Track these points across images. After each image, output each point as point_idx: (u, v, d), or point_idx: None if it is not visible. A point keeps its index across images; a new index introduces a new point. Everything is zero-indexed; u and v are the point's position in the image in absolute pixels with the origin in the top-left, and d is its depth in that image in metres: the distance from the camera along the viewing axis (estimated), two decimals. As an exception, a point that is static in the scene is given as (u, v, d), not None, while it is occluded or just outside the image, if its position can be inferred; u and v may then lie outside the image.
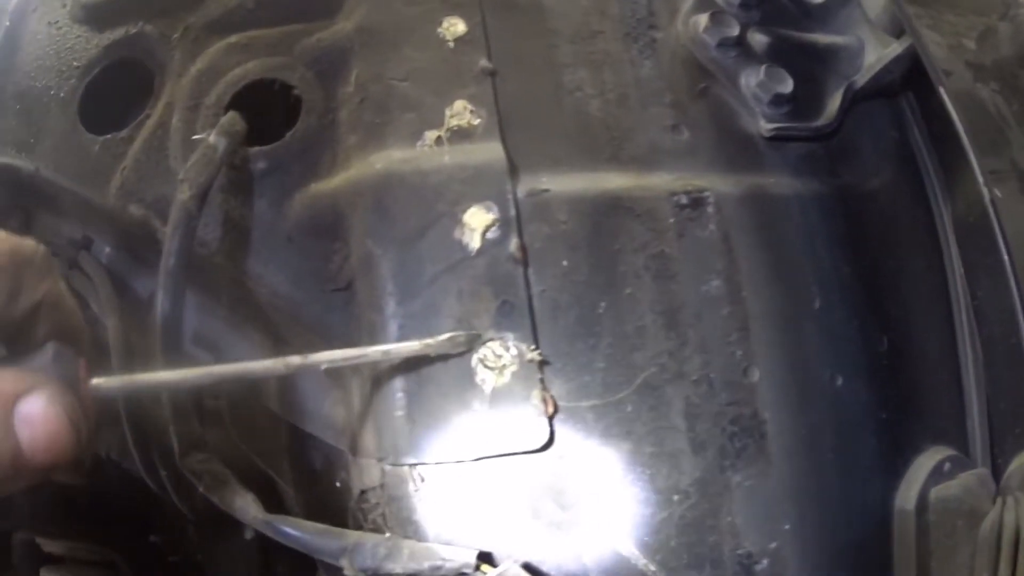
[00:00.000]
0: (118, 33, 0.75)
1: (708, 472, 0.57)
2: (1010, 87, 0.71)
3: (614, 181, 0.62)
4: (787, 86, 0.66)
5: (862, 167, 0.69)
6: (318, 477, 0.66)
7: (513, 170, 0.61)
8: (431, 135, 0.62)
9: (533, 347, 0.57)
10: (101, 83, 0.75)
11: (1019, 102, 0.67)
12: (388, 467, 0.58)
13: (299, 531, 0.57)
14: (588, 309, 0.58)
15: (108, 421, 0.66)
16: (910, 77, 0.70)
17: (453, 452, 0.57)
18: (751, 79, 0.66)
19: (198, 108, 0.68)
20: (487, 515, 0.57)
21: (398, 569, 0.54)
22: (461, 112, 0.63)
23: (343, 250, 0.62)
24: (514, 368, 0.57)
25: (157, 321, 0.60)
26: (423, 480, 0.57)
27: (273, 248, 0.65)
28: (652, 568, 0.56)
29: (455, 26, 0.67)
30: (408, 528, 0.57)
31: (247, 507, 0.59)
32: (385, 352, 0.56)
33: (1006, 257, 0.61)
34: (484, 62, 0.65)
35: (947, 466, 0.62)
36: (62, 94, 0.74)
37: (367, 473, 0.60)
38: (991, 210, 0.61)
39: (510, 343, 0.57)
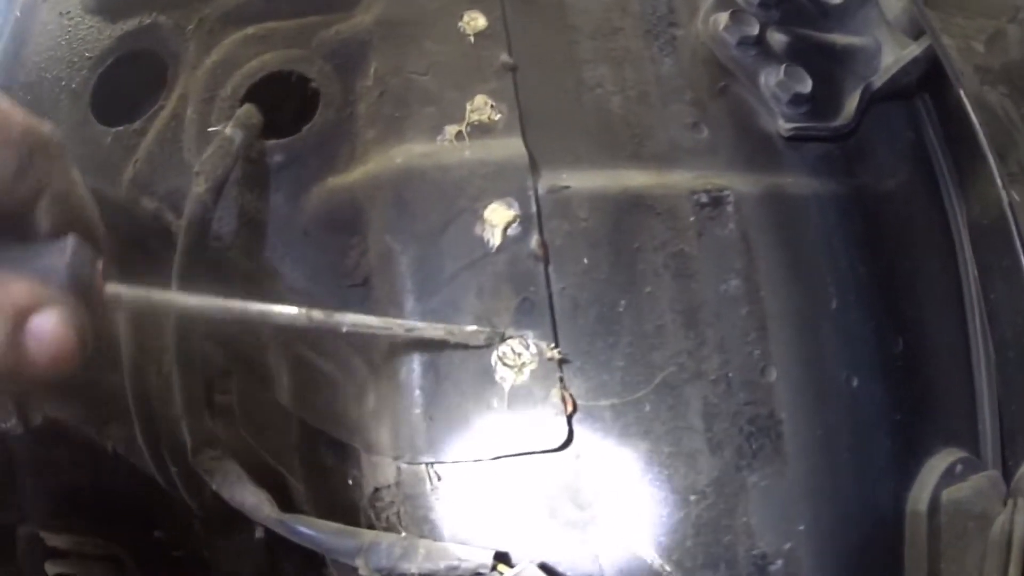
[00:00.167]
0: (131, 24, 0.74)
1: (725, 472, 0.57)
2: (1019, 90, 0.71)
3: (635, 179, 0.62)
4: (806, 86, 0.65)
5: (878, 168, 0.69)
6: (329, 474, 0.66)
7: (534, 166, 0.61)
8: (451, 130, 0.62)
9: (553, 345, 0.57)
10: (113, 74, 0.74)
11: (1028, 105, 0.68)
12: (404, 465, 0.58)
13: (314, 530, 0.57)
14: (608, 307, 0.58)
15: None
16: (926, 78, 0.70)
17: (471, 451, 0.56)
18: (770, 78, 0.66)
19: (213, 100, 0.67)
20: (504, 514, 0.57)
21: (413, 569, 0.54)
22: (481, 107, 0.62)
23: (360, 245, 0.61)
24: (533, 366, 0.57)
25: (170, 315, 0.60)
26: (440, 479, 0.57)
27: (289, 242, 0.64)
28: (668, 568, 0.55)
29: (476, 20, 0.66)
30: (424, 527, 0.57)
31: (260, 505, 0.59)
32: (409, 328, 0.56)
33: (1022, 260, 0.61)
34: (505, 57, 0.65)
35: (959, 468, 0.62)
36: (73, 85, 0.73)
37: (381, 471, 0.60)
38: (1009, 213, 0.61)
39: (530, 341, 0.57)
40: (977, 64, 0.70)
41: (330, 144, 0.65)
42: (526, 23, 0.68)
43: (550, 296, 0.58)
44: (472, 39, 0.66)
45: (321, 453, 0.67)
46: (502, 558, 0.54)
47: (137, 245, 0.69)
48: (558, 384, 0.56)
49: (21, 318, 0.40)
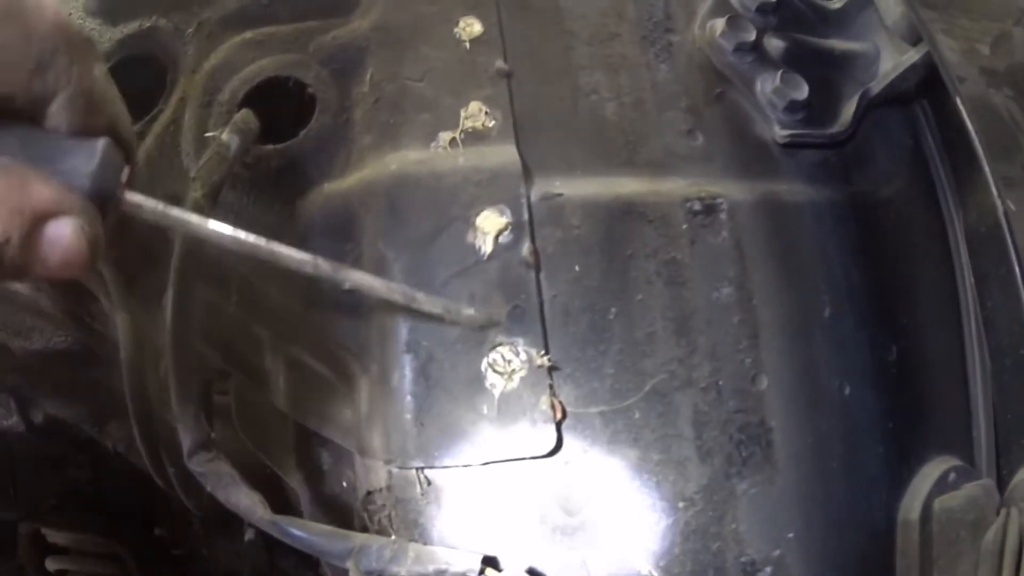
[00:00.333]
0: (132, 27, 0.74)
1: (714, 479, 0.57)
2: (1024, 93, 0.70)
3: (628, 186, 0.62)
4: (802, 92, 0.65)
5: (876, 174, 0.69)
6: (324, 476, 0.67)
7: (527, 174, 0.61)
8: (446, 136, 0.62)
9: (543, 352, 0.57)
10: (114, 77, 0.74)
11: (1033, 108, 0.67)
12: (395, 469, 0.58)
13: (305, 532, 0.58)
14: (599, 315, 0.58)
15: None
16: (925, 84, 0.70)
17: (461, 456, 0.57)
18: (767, 85, 0.66)
19: (211, 104, 0.67)
20: (493, 519, 0.57)
21: (403, 572, 0.54)
22: (476, 114, 0.63)
23: (355, 251, 0.62)
24: (523, 373, 0.57)
25: (168, 318, 0.60)
26: (430, 483, 0.58)
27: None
28: (656, 574, 0.56)
29: (472, 26, 0.67)
30: (414, 531, 0.58)
31: (254, 507, 0.59)
32: (409, 298, 0.56)
33: (1017, 268, 0.60)
34: (500, 63, 0.65)
35: (952, 476, 0.62)
36: (73, 87, 0.74)
37: (374, 474, 0.60)
38: (1004, 222, 0.61)
39: (520, 348, 0.57)
40: (982, 66, 0.70)
41: (326, 150, 0.66)
42: (522, 29, 0.68)
43: (541, 303, 0.58)
44: (468, 45, 0.66)
45: (316, 455, 0.67)
46: (491, 563, 0.55)
47: (136, 248, 0.69)
48: (548, 391, 0.57)
49: (39, 221, 0.41)
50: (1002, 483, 0.63)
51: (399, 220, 0.60)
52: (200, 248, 0.61)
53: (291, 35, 0.70)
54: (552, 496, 0.57)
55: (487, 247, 0.59)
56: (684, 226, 0.61)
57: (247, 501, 0.60)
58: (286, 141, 0.66)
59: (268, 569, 0.80)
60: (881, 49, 0.72)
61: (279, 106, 0.68)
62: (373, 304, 0.60)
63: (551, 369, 0.57)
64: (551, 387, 0.57)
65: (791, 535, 0.57)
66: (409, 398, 0.58)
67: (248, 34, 0.71)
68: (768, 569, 0.56)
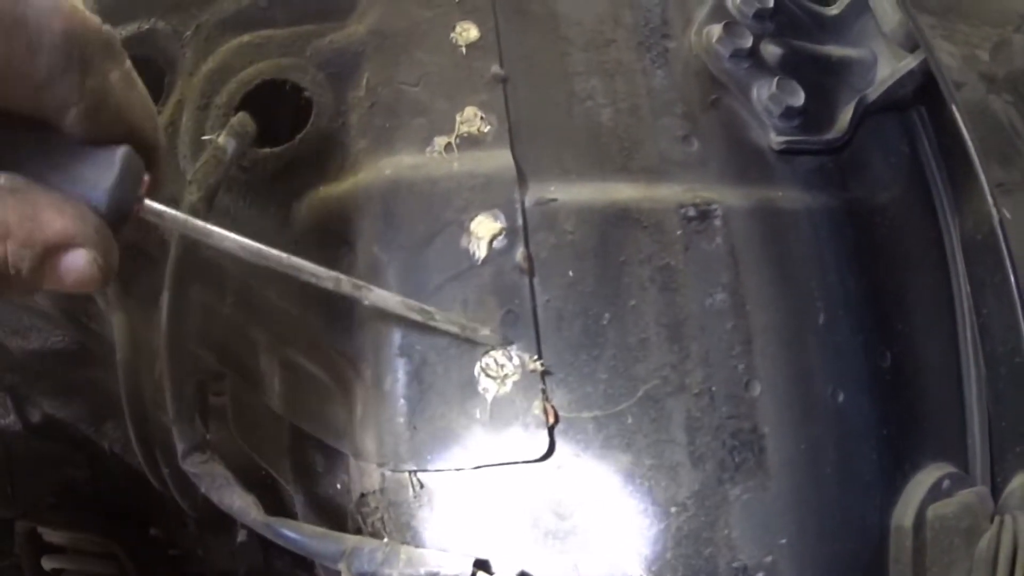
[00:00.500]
0: (130, 28, 0.75)
1: (706, 485, 0.57)
2: (1024, 99, 0.70)
3: (623, 192, 0.62)
4: (798, 99, 0.65)
5: (872, 181, 0.69)
6: (318, 478, 0.67)
7: (521, 179, 0.61)
8: (441, 141, 0.63)
9: (536, 357, 0.57)
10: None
11: (1033, 114, 0.67)
12: (388, 472, 0.58)
13: (298, 534, 0.58)
14: (592, 320, 0.59)
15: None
16: (922, 91, 0.70)
17: (453, 460, 0.57)
18: (763, 91, 0.66)
19: (208, 107, 0.68)
20: (485, 523, 0.57)
21: (395, 574, 0.54)
22: (471, 119, 0.63)
23: (349, 255, 0.62)
24: (516, 378, 0.57)
25: (163, 320, 0.60)
26: (422, 486, 0.58)
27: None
28: (648, 579, 0.56)
29: (468, 31, 0.67)
30: (406, 533, 0.58)
31: (247, 509, 0.59)
32: (428, 316, 0.56)
33: (1012, 276, 0.60)
34: (496, 68, 0.65)
35: (946, 483, 0.62)
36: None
37: (367, 477, 0.60)
38: (999, 230, 0.61)
39: (513, 353, 0.58)
40: (981, 72, 0.70)
41: (322, 154, 0.66)
42: (518, 34, 0.68)
43: (534, 309, 0.58)
44: (464, 50, 0.66)
45: (310, 457, 0.68)
46: (482, 566, 0.55)
47: (133, 248, 0.70)
48: (540, 396, 0.57)
49: (50, 254, 0.40)
50: (996, 490, 0.63)
51: (394, 224, 0.61)
52: (196, 250, 0.61)
53: (288, 38, 0.70)
54: (544, 500, 0.57)
55: (481, 252, 0.59)
56: (678, 232, 0.61)
57: (241, 503, 0.60)
58: (282, 144, 0.66)
59: (263, 569, 0.80)
60: (878, 55, 0.72)
61: (275, 109, 0.69)
62: (368, 309, 0.60)
63: (544, 374, 0.57)
64: (544, 392, 0.57)
65: (784, 541, 0.57)
66: (402, 402, 0.58)
67: (246, 37, 0.71)
68: (760, 575, 0.56)
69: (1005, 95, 0.70)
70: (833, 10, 0.74)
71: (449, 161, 0.62)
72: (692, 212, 0.62)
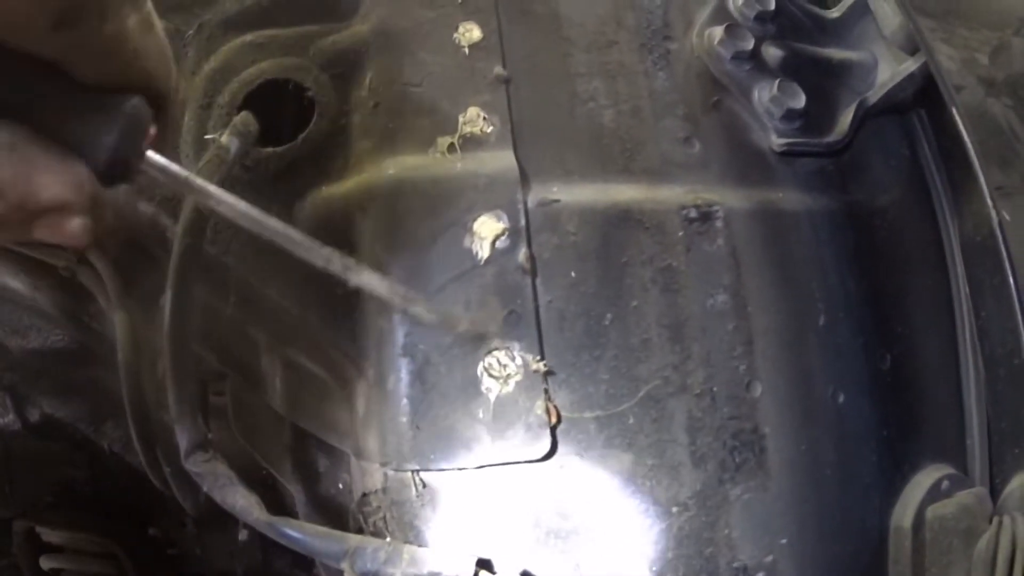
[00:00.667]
0: (132, 28, 0.74)
1: (707, 485, 0.57)
2: (1023, 102, 0.71)
3: (625, 193, 0.62)
4: (799, 101, 0.66)
5: (872, 183, 0.69)
6: (320, 478, 0.67)
7: (524, 179, 0.61)
8: (444, 142, 0.63)
9: (538, 357, 0.58)
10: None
11: (1032, 117, 0.68)
12: (391, 472, 0.59)
13: (301, 533, 0.58)
14: (594, 321, 0.59)
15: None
16: (922, 94, 0.70)
17: (456, 459, 0.57)
18: (764, 93, 0.66)
19: (211, 107, 0.68)
20: (488, 523, 0.57)
21: (397, 574, 0.55)
22: (474, 119, 0.63)
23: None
24: (519, 378, 0.57)
25: (166, 320, 0.61)
26: (425, 486, 0.58)
27: (283, 249, 0.65)
28: (649, 579, 0.56)
29: (471, 32, 0.67)
30: (409, 533, 0.58)
31: (250, 508, 0.60)
32: (408, 299, 0.56)
33: (1011, 279, 0.61)
34: (499, 69, 0.65)
35: (945, 484, 0.63)
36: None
37: (369, 476, 0.60)
38: (998, 232, 0.61)
39: (516, 353, 0.58)
40: (980, 75, 0.70)
41: (325, 153, 0.66)
42: (521, 35, 0.68)
43: (537, 309, 0.59)
44: (467, 51, 0.66)
45: (312, 457, 0.68)
46: (485, 565, 0.55)
47: (135, 247, 0.70)
48: (543, 396, 0.57)
49: (41, 215, 0.40)
50: (995, 492, 0.63)
51: (397, 224, 0.61)
52: (200, 249, 0.62)
53: (291, 38, 0.70)
54: (546, 500, 0.57)
55: (484, 252, 0.59)
56: (680, 233, 0.61)
57: (243, 502, 0.61)
58: (285, 144, 0.66)
59: (262, 569, 0.80)
60: (879, 58, 0.72)
61: (278, 109, 0.69)
62: (370, 308, 0.60)
63: (546, 374, 0.58)
64: (546, 392, 0.57)
65: (784, 541, 0.57)
66: (405, 401, 0.58)
67: (248, 37, 0.71)
68: (761, 575, 0.57)
69: (1004, 98, 0.70)
70: (834, 13, 0.74)
71: (452, 162, 0.62)
72: (694, 213, 0.62)
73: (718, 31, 0.67)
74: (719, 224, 0.62)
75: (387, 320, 0.59)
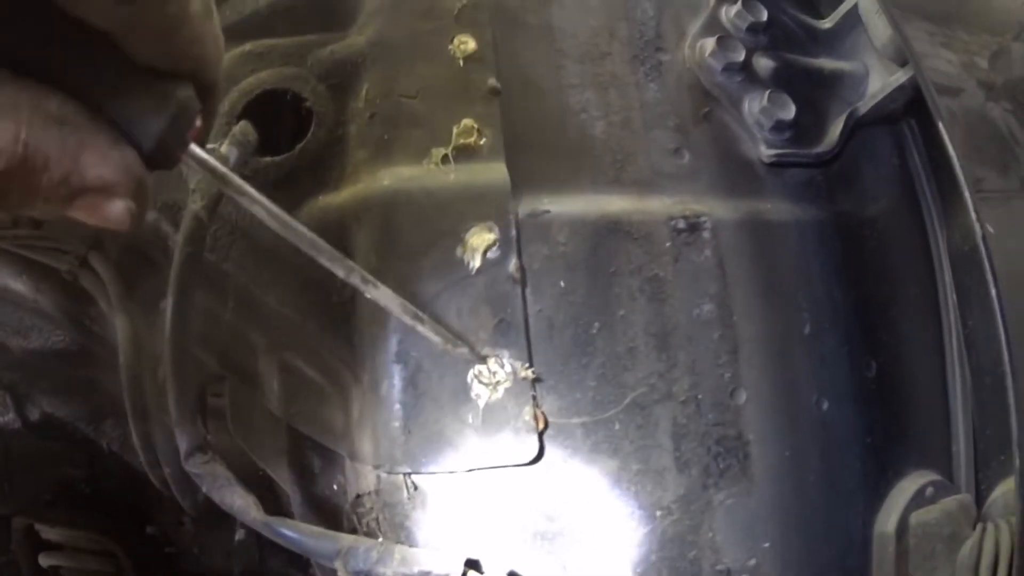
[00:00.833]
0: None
1: (691, 490, 0.58)
2: (1022, 106, 0.71)
3: (615, 204, 0.63)
4: (789, 112, 0.66)
5: (861, 194, 0.70)
6: (315, 479, 0.68)
7: (516, 191, 0.62)
8: (438, 153, 0.64)
9: (527, 365, 0.59)
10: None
11: (1031, 122, 0.68)
12: (384, 474, 0.60)
13: (296, 533, 0.59)
14: (582, 329, 0.60)
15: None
16: (913, 104, 0.71)
17: (446, 463, 0.58)
18: (754, 104, 0.67)
19: (211, 116, 0.68)
20: (477, 524, 0.59)
21: (389, 573, 0.56)
22: (468, 130, 0.64)
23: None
24: (508, 385, 0.59)
25: (167, 324, 0.62)
26: (416, 488, 0.59)
27: (280, 258, 0.66)
28: (633, 581, 0.57)
29: (466, 44, 0.67)
30: (400, 533, 0.59)
31: (248, 508, 0.61)
32: (415, 317, 0.57)
33: (994, 289, 0.61)
34: (492, 81, 0.66)
35: (929, 491, 0.64)
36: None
37: (363, 478, 0.62)
38: (982, 246, 0.62)
39: (505, 360, 0.59)
40: (980, 80, 0.71)
41: (322, 163, 0.67)
42: (515, 47, 0.69)
43: (526, 318, 0.60)
44: (462, 62, 0.67)
45: (308, 458, 0.69)
46: (473, 565, 0.56)
47: (136, 252, 0.71)
48: (531, 402, 0.58)
49: (83, 193, 0.39)
50: (980, 498, 0.64)
51: (391, 234, 0.62)
52: (200, 256, 0.63)
53: (290, 48, 0.71)
54: (534, 503, 0.58)
55: (475, 262, 0.60)
56: (668, 244, 0.62)
57: (241, 502, 0.62)
58: (283, 154, 0.67)
59: (258, 568, 0.81)
60: (870, 69, 0.73)
61: (277, 118, 0.70)
62: (365, 316, 0.61)
63: (535, 381, 0.59)
64: (534, 398, 0.59)
65: (767, 545, 0.59)
66: (398, 406, 0.59)
67: (248, 46, 0.72)
68: None
69: (1004, 102, 0.71)
70: (826, 23, 0.75)
71: (445, 173, 0.63)
72: (682, 224, 0.63)
73: (710, 43, 0.68)
74: (706, 235, 0.63)
75: (381, 328, 0.61)
